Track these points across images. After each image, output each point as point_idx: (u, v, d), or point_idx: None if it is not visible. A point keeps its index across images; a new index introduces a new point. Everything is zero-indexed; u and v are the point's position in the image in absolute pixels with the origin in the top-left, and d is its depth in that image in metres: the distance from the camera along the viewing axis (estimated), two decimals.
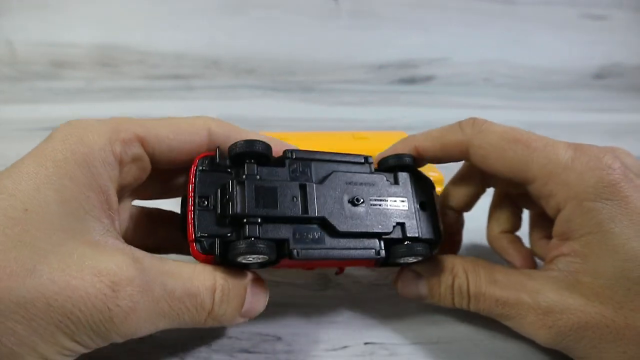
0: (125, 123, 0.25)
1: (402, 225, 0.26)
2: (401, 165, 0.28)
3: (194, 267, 0.23)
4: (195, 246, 0.23)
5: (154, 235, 0.29)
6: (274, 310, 0.30)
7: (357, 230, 0.25)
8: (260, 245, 0.23)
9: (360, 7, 0.72)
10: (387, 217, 0.26)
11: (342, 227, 0.25)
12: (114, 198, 0.24)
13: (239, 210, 0.23)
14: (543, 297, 0.25)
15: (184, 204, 0.26)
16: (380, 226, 0.26)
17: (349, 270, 0.34)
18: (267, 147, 0.25)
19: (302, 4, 0.71)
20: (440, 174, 0.39)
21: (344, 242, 0.25)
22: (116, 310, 0.20)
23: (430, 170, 0.39)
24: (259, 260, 0.24)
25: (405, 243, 0.26)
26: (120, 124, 0.24)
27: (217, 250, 0.23)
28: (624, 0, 0.78)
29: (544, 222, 0.31)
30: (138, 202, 0.29)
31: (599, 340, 0.24)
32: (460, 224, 0.34)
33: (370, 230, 0.25)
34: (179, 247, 0.29)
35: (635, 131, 0.61)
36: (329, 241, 0.24)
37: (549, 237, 0.29)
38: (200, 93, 0.63)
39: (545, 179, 0.26)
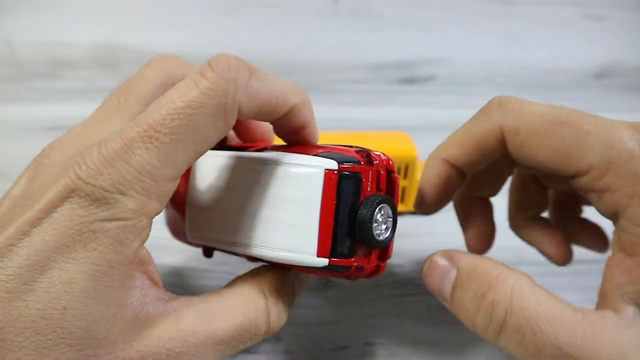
0: (147, 168, 0.19)
1: None
2: None
3: (239, 294, 0.22)
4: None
5: None
6: None
7: None
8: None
9: (360, 7, 0.72)
10: None
11: None
12: (145, 251, 0.21)
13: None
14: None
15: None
16: None
17: None
18: None
19: (302, 4, 0.71)
20: (414, 148, 0.38)
21: None
22: None
23: (404, 143, 0.39)
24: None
25: None
26: (143, 175, 0.19)
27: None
28: (624, 0, 0.78)
29: (571, 205, 0.26)
30: None
31: None
32: (491, 211, 0.29)
33: None
34: None
35: None
36: None
37: (534, 218, 0.26)
38: None
39: (603, 170, 0.20)
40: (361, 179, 0.21)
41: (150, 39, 0.66)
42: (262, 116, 0.22)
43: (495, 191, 0.29)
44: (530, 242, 0.29)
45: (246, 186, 0.23)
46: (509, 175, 0.28)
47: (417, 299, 0.32)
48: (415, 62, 0.72)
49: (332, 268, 0.21)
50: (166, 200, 0.20)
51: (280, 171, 0.22)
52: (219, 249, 0.25)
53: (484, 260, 0.22)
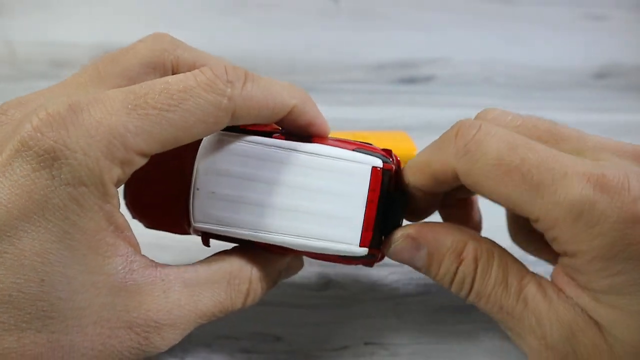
0: (117, 130, 0.19)
1: None
2: None
3: (227, 271, 0.23)
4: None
5: None
6: (274, 310, 0.30)
7: None
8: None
9: (360, 7, 0.72)
10: None
11: None
12: (121, 218, 0.20)
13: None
14: (549, 331, 0.21)
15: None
16: None
17: (349, 269, 0.34)
18: None
19: (301, 4, 0.71)
20: (414, 148, 0.39)
21: None
22: (149, 348, 0.20)
23: (404, 143, 0.39)
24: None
25: None
26: (113, 135, 0.18)
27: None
28: (624, 0, 0.78)
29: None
30: None
31: None
32: (472, 209, 0.29)
33: None
34: None
35: (635, 131, 0.61)
36: None
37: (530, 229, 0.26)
38: None
39: (550, 224, 0.20)
40: (393, 176, 0.24)
41: None
42: (262, 120, 0.22)
43: (472, 193, 0.28)
44: (531, 253, 0.29)
45: (277, 175, 0.23)
46: None
47: (417, 299, 0.32)
48: (415, 62, 0.72)
49: (366, 257, 0.24)
50: (129, 173, 0.20)
51: (322, 164, 0.23)
52: (225, 238, 0.25)
53: (447, 233, 0.24)
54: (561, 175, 0.20)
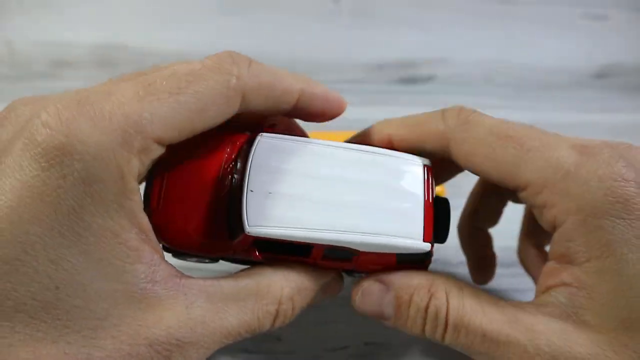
0: (133, 119, 0.18)
1: None
2: None
3: (255, 289, 0.22)
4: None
5: None
6: None
7: None
8: None
9: (360, 7, 0.72)
10: None
11: None
12: (144, 219, 0.19)
13: None
14: (545, 341, 0.20)
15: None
16: None
17: None
18: None
19: (302, 4, 0.71)
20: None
21: None
22: None
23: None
24: None
25: None
26: (129, 124, 0.18)
27: None
28: (624, 0, 0.78)
29: (537, 227, 0.26)
30: None
31: None
32: (491, 242, 0.30)
33: None
34: None
35: (635, 131, 0.61)
36: None
37: (541, 246, 0.27)
38: None
39: (539, 187, 0.22)
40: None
41: (150, 39, 0.66)
42: (274, 104, 0.22)
43: (492, 222, 0.30)
44: (529, 272, 0.30)
45: (335, 171, 0.23)
46: (504, 207, 0.29)
47: None
48: (415, 62, 0.72)
49: (426, 255, 0.23)
50: (148, 164, 0.19)
51: (377, 160, 0.24)
52: (278, 247, 0.23)
53: (413, 275, 0.23)
54: (548, 142, 0.22)
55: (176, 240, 0.24)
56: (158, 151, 0.19)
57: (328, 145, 0.24)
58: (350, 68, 0.70)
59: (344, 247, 0.22)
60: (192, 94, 0.19)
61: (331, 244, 0.22)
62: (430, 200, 0.23)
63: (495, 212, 0.30)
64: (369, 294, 0.24)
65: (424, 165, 0.24)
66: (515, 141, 0.22)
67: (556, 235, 0.22)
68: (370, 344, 0.28)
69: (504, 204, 0.30)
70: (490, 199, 0.30)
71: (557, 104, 0.69)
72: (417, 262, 0.24)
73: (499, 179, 0.23)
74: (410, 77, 0.71)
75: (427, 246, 0.23)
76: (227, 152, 0.23)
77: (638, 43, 0.78)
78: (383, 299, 0.23)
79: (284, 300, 0.22)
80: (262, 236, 0.22)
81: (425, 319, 0.22)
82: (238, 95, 0.20)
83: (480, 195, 0.30)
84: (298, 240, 0.22)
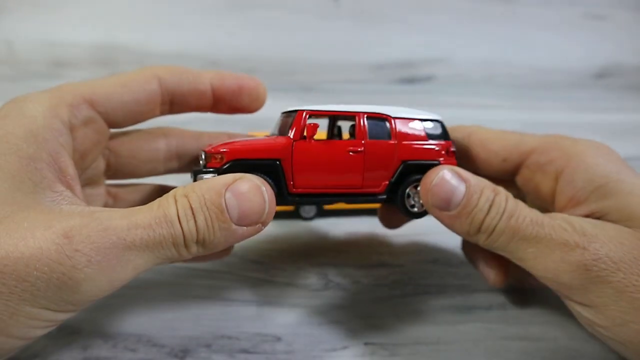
0: (69, 87, 0.25)
1: None
2: None
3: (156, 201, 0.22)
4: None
5: None
6: (274, 310, 0.30)
7: None
8: None
9: (360, 7, 0.72)
10: None
11: None
12: (68, 164, 0.23)
13: None
14: (579, 224, 0.24)
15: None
16: None
17: (348, 270, 0.34)
18: None
19: (302, 4, 0.71)
20: None
21: None
22: (76, 257, 0.19)
23: None
24: None
25: None
26: (63, 89, 0.24)
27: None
28: (624, 0, 0.78)
29: None
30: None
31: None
32: None
33: None
34: None
35: (635, 131, 0.61)
36: None
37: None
38: None
39: (545, 149, 0.29)
40: None
41: (150, 39, 0.66)
42: (188, 85, 0.28)
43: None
44: (472, 263, 0.32)
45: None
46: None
47: (417, 299, 0.32)
48: (415, 62, 0.72)
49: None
50: (82, 117, 0.25)
51: None
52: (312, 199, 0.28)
53: (481, 178, 0.27)
54: (542, 135, 0.30)
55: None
56: (90, 111, 0.25)
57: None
58: (350, 68, 0.70)
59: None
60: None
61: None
62: None
63: None
64: (446, 181, 0.26)
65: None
66: (517, 134, 0.31)
67: (560, 184, 0.28)
68: (370, 344, 0.28)
69: None
70: None
71: (557, 104, 0.69)
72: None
73: (506, 154, 0.30)
74: (410, 77, 0.71)
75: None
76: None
77: (638, 43, 0.78)
78: (457, 189, 0.26)
79: (179, 194, 0.22)
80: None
81: (490, 208, 0.25)
82: (154, 77, 0.26)
83: None
84: None
